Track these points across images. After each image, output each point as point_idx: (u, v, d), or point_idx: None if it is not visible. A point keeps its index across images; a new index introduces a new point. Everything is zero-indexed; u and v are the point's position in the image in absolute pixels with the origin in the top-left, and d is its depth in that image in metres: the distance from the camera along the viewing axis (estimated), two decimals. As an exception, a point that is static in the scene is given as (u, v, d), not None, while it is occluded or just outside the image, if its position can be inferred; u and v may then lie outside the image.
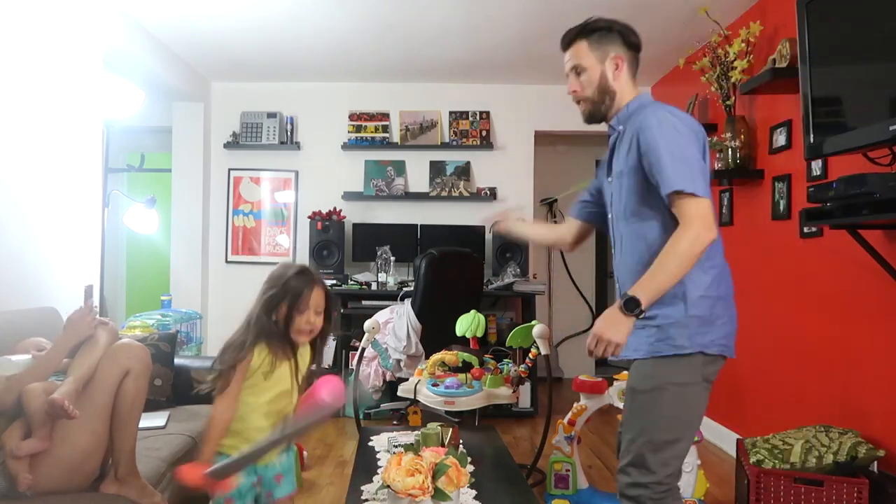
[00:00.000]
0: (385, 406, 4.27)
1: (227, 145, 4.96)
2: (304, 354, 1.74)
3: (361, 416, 4.03)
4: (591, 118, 1.84)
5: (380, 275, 4.50)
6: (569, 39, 1.83)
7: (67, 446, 1.79)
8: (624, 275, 1.75)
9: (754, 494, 2.36)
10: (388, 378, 3.98)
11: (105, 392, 1.86)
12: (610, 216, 1.83)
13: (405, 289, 4.29)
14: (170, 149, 4.87)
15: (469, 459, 1.99)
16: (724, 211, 3.62)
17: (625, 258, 1.75)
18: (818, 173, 2.75)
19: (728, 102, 3.33)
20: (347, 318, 4.46)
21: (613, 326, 1.52)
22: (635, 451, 1.66)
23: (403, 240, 4.76)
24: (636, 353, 1.69)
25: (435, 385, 2.80)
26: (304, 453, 3.39)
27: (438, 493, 1.64)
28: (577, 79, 1.81)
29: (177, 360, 2.85)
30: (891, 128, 1.86)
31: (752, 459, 2.44)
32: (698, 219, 1.53)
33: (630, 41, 1.79)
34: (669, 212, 1.60)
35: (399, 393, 3.01)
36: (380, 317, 3.72)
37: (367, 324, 3.25)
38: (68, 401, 1.70)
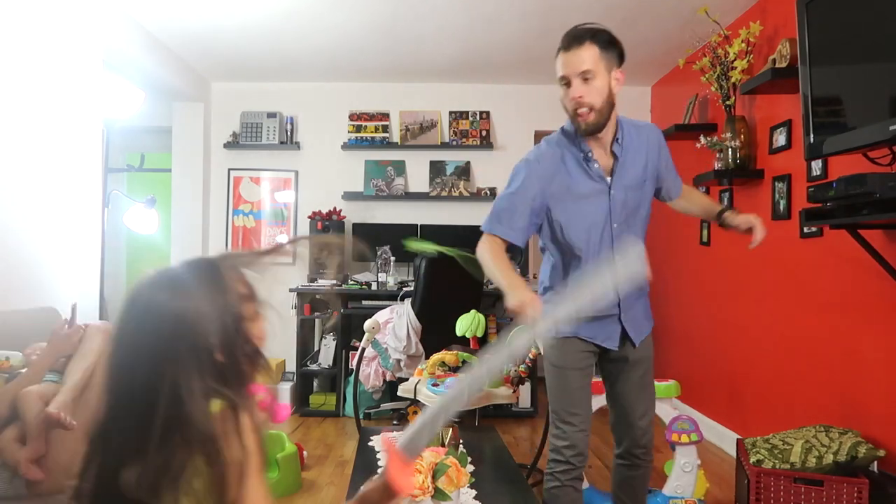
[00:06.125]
0: (385, 406, 4.27)
1: (227, 145, 4.96)
2: None
3: (361, 416, 4.03)
4: (594, 129, 1.79)
5: (380, 275, 4.49)
6: (581, 40, 1.72)
7: (65, 451, 1.79)
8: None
9: (754, 494, 2.36)
10: (388, 378, 3.98)
11: None
12: (610, 226, 1.86)
13: (405, 289, 4.29)
14: (170, 149, 4.87)
15: (469, 459, 1.99)
16: (724, 211, 3.62)
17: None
18: (818, 173, 2.75)
19: (728, 102, 3.33)
20: (347, 318, 4.46)
21: None
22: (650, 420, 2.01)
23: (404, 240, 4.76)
24: (648, 329, 2.00)
25: (435, 385, 2.80)
26: (304, 453, 3.39)
27: (438, 493, 1.64)
28: (585, 85, 1.73)
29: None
30: (891, 128, 1.87)
31: (752, 459, 2.44)
32: None
33: (623, 59, 1.80)
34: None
35: (399, 393, 3.01)
36: (380, 317, 3.72)
37: (367, 324, 3.25)
38: (65, 412, 1.70)
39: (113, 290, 5.17)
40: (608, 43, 1.75)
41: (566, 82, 1.77)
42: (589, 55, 1.72)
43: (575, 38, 1.74)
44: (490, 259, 1.84)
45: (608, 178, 1.86)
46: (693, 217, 2.21)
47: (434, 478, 1.65)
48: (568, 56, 1.74)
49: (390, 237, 4.69)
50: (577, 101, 1.76)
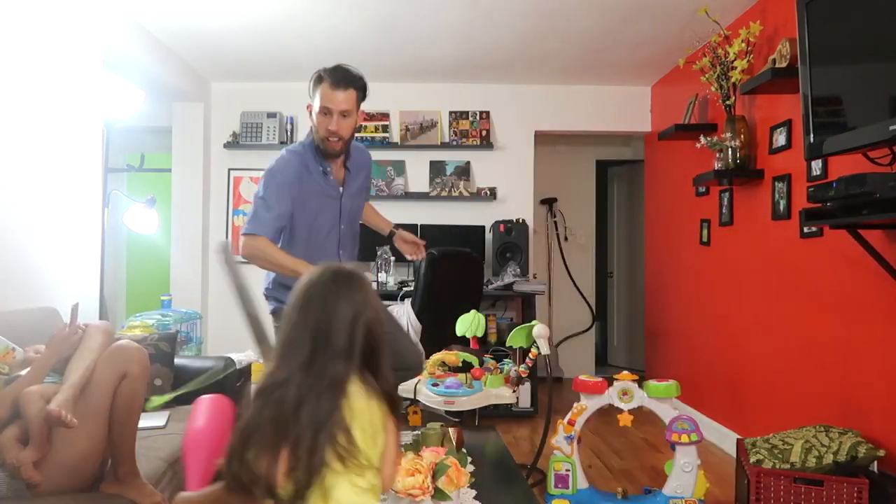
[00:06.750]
0: (385, 406, 4.26)
1: (227, 145, 4.96)
2: None
3: (361, 416, 4.02)
4: (339, 154, 2.27)
5: (380, 275, 4.49)
6: (348, 84, 2.12)
7: (66, 450, 1.79)
8: (351, 250, 2.52)
9: (754, 494, 2.36)
10: (388, 378, 3.97)
11: (102, 396, 1.85)
12: (339, 228, 2.42)
13: (405, 289, 4.29)
14: (170, 149, 4.87)
15: (469, 459, 2.00)
16: (724, 211, 3.62)
17: (350, 242, 2.53)
18: (818, 173, 2.75)
19: (728, 102, 3.33)
20: (347, 318, 4.45)
21: None
22: None
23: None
24: None
25: (435, 385, 2.80)
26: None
27: (438, 493, 1.64)
28: (344, 120, 2.15)
29: (177, 360, 2.85)
30: (891, 128, 1.87)
31: (752, 459, 2.44)
32: None
33: (366, 97, 2.26)
34: None
35: (399, 393, 3.00)
36: (380, 317, 3.72)
37: (367, 324, 3.24)
38: (65, 410, 1.69)
39: (113, 290, 5.18)
40: (363, 89, 2.19)
41: (326, 112, 2.14)
42: (351, 98, 2.15)
43: (343, 79, 2.12)
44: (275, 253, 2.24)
45: (340, 189, 2.36)
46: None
47: (434, 478, 1.65)
48: (335, 93, 2.11)
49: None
50: (333, 133, 2.16)
